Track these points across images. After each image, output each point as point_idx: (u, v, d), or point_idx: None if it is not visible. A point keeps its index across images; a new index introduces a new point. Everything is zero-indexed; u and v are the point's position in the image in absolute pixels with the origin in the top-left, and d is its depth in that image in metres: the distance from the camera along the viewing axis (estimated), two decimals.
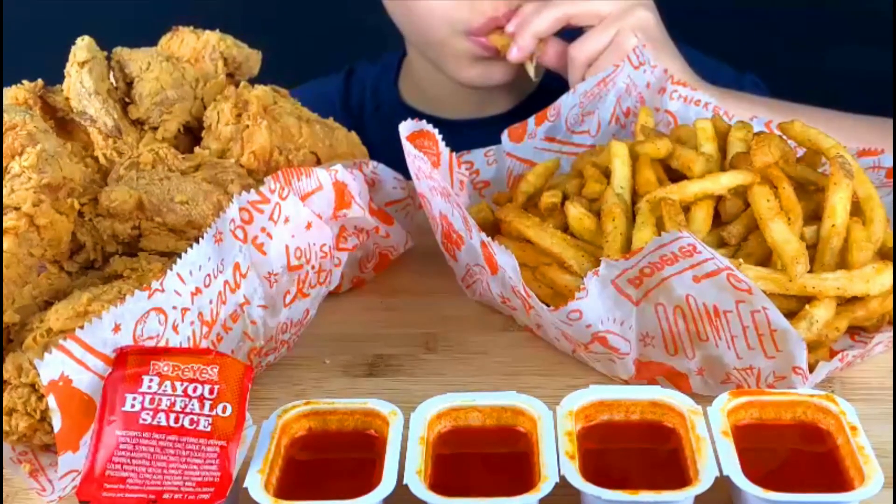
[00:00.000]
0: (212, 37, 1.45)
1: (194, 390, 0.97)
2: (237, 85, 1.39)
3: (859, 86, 1.69)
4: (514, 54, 1.69)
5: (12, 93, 1.33)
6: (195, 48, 1.45)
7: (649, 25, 1.62)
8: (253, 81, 1.43)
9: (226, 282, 1.09)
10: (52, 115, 1.33)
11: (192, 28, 1.47)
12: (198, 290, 1.05)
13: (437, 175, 1.21)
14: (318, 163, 1.36)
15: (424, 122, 1.27)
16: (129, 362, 0.97)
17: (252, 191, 1.09)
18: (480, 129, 1.70)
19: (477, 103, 1.96)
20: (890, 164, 1.34)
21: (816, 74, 1.77)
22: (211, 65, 1.43)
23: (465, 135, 1.64)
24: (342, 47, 1.97)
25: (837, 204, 1.17)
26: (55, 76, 1.33)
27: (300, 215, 1.14)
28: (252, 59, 1.49)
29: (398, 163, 1.30)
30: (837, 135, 1.28)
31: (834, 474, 0.96)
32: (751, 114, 1.48)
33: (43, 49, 1.57)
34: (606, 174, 1.29)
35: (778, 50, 1.97)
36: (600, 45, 1.62)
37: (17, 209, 1.08)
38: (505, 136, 1.49)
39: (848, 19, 2.34)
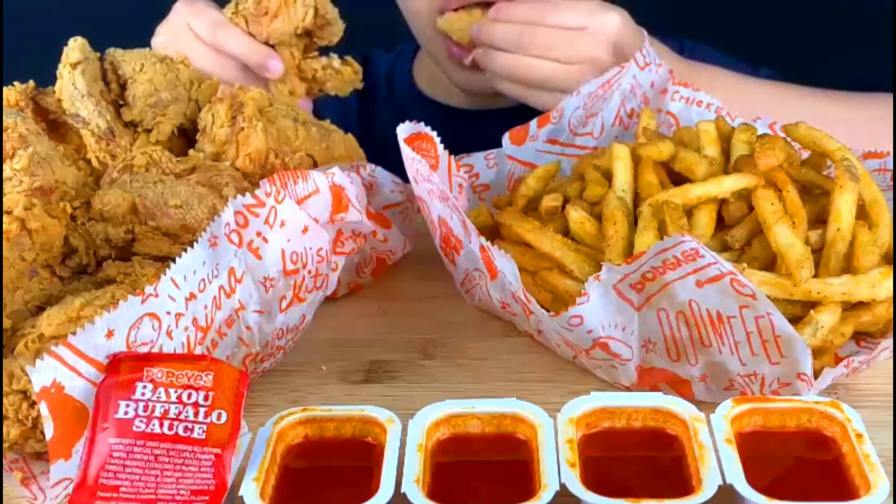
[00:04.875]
0: None
1: (189, 397, 0.96)
2: (311, 47, 1.39)
3: (862, 90, 1.69)
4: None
5: (4, 94, 1.31)
6: None
7: (623, 31, 1.59)
8: None
9: (221, 287, 1.08)
10: (44, 118, 1.32)
11: None
12: (192, 296, 1.04)
13: (435, 178, 1.20)
14: (315, 166, 1.35)
15: (422, 123, 1.26)
16: (123, 369, 0.96)
17: (247, 194, 1.09)
18: (494, 119, 1.70)
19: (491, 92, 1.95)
20: None
21: (819, 78, 1.77)
22: (301, 10, 1.42)
23: (479, 123, 1.63)
24: (355, 39, 1.96)
25: (843, 207, 1.16)
26: (47, 77, 1.32)
27: (296, 219, 1.13)
28: (337, 26, 1.50)
29: None
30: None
31: (839, 482, 0.96)
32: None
33: (35, 50, 1.56)
34: (608, 177, 1.29)
35: (780, 54, 1.97)
36: (556, 76, 1.59)
37: (8, 213, 1.07)
38: (506, 138, 1.48)
39: (851, 23, 2.34)
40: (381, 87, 2.10)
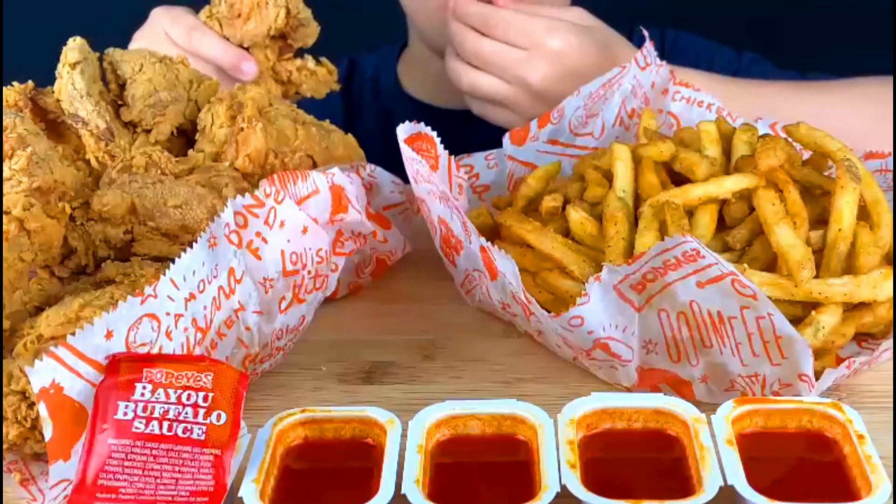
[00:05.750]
0: None
1: (188, 398, 0.96)
2: (287, 49, 1.40)
3: None
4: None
5: (3, 94, 1.31)
6: None
7: (564, 62, 1.58)
8: None
9: (220, 287, 1.07)
10: (42, 118, 1.31)
11: None
12: (192, 296, 1.04)
13: (435, 179, 1.20)
14: (315, 166, 1.34)
15: (422, 124, 1.26)
16: (122, 369, 0.96)
17: (247, 194, 1.09)
18: (478, 119, 1.69)
19: None
20: None
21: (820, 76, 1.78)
22: (273, 11, 1.42)
23: (466, 124, 1.62)
24: (339, 41, 1.97)
25: (844, 208, 1.16)
26: (47, 77, 1.32)
27: (296, 219, 1.13)
28: (311, 27, 1.50)
29: (395, 151, 1.28)
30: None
31: (840, 484, 0.95)
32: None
33: (34, 49, 1.55)
34: (608, 177, 1.28)
35: (781, 52, 1.97)
36: (496, 91, 1.61)
37: (7, 213, 1.06)
38: (506, 138, 1.48)
39: (851, 21, 2.34)
40: (366, 88, 2.10)
